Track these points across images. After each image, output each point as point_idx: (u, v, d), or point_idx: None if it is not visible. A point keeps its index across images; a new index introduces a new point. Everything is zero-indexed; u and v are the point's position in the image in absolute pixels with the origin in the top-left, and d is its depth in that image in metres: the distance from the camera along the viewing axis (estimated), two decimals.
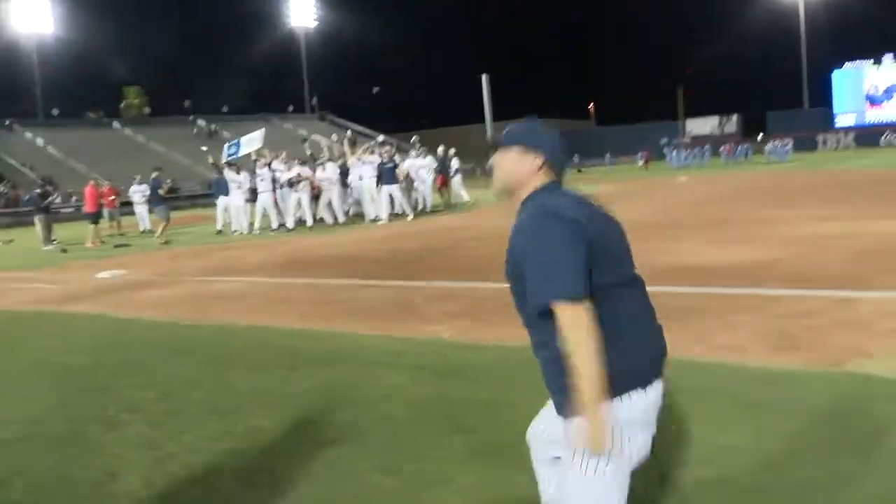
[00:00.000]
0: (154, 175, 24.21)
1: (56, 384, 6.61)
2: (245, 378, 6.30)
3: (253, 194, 22.19)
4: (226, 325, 8.55)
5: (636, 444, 2.54)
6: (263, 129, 23.64)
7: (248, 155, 23.01)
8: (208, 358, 7.15)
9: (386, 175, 21.79)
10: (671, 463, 3.91)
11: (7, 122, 69.33)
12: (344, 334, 7.66)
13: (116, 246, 20.96)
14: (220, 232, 22.96)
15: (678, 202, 22.85)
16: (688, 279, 9.11)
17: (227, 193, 22.94)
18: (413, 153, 26.06)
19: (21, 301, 11.91)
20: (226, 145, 24.63)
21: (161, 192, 23.42)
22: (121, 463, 4.59)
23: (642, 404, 2.52)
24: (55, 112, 75.67)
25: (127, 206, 29.09)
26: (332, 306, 9.30)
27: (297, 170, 21.95)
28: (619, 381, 2.46)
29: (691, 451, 4.07)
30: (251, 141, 23.06)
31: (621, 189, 31.91)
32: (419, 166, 24.88)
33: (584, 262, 2.45)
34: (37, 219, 24.33)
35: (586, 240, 2.48)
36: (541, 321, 2.54)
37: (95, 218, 23.84)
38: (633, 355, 2.53)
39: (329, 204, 22.37)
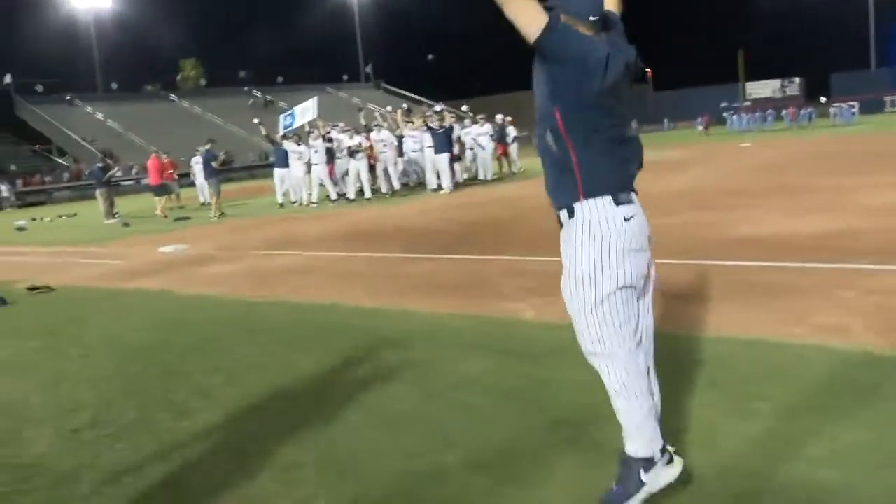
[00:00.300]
0: (207, 147, 23.28)
1: (123, 365, 6.43)
2: (313, 360, 6.03)
3: (309, 166, 21.94)
4: (291, 303, 8.31)
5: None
6: (316, 98, 23.08)
7: (303, 126, 22.74)
8: (275, 338, 6.91)
9: (438, 143, 21.26)
10: (784, 461, 3.54)
11: (68, 97, 70.26)
12: (417, 313, 7.33)
13: (177, 219, 21.01)
14: (281, 205, 22.64)
15: (743, 168, 22.08)
16: (771, 253, 8.60)
17: (284, 165, 22.70)
18: (467, 121, 25.52)
19: (85, 277, 11.85)
20: (281, 116, 24.28)
21: (214, 164, 22.55)
22: (193, 455, 4.37)
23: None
24: (114, 86, 76.48)
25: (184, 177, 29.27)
26: (401, 282, 9.01)
27: (358, 138, 21.52)
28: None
29: (807, 448, 3.68)
30: (305, 111, 22.68)
31: (685, 154, 31.15)
32: (477, 134, 24.29)
33: None
34: (98, 193, 24.52)
35: None
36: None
37: (160, 190, 24.06)
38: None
39: (385, 171, 22.07)
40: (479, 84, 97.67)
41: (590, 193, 3.27)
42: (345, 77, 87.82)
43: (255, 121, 26.00)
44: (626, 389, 3.27)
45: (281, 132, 23.14)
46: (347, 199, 21.52)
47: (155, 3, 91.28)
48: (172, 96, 77.37)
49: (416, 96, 74.02)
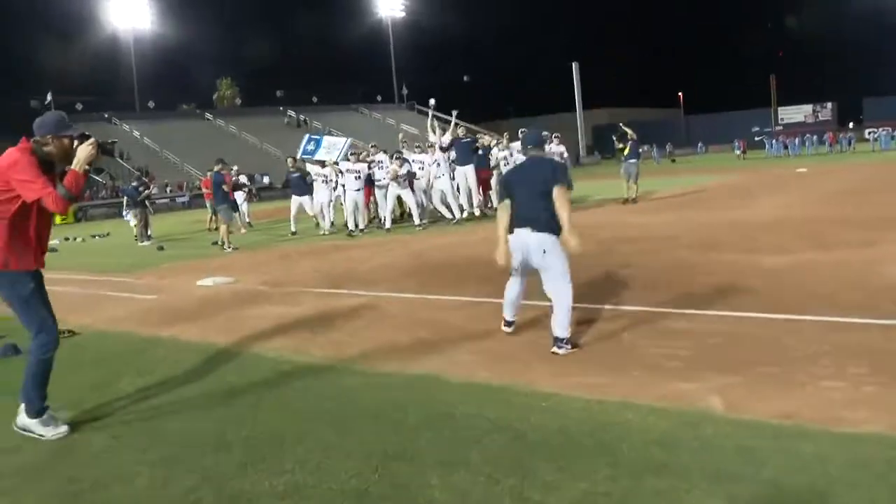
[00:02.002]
0: (216, 168, 19.07)
1: (163, 481, 4.35)
2: (438, 477, 3.96)
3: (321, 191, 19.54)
4: (377, 373, 6.20)
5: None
6: (349, 141, 20.44)
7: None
8: (370, 432, 4.82)
9: (462, 153, 18.81)
10: None
11: (106, 115, 69.19)
12: (559, 397, 5.19)
13: (215, 243, 18.95)
14: (294, 233, 19.96)
15: (825, 195, 19.75)
16: None
17: (302, 193, 20.26)
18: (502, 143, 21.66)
19: (114, 317, 9.83)
20: (305, 138, 21.09)
21: (225, 188, 18.56)
22: None
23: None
24: (151, 105, 75.35)
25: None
26: (512, 342, 6.88)
27: (407, 166, 18.64)
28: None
29: None
30: (332, 148, 19.80)
31: (741, 180, 28.91)
32: (554, 153, 20.62)
33: None
34: (132, 213, 22.75)
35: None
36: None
37: (234, 206, 22.40)
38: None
39: (442, 196, 19.34)
40: (512, 105, 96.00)
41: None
42: (379, 98, 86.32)
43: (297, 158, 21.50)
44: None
45: (299, 156, 20.52)
46: (385, 228, 18.71)
47: (193, 23, 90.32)
48: (208, 115, 76.09)
49: (449, 118, 72.22)
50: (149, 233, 22.30)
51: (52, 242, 25.14)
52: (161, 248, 19.03)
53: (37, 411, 5.19)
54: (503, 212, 6.80)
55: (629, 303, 7.98)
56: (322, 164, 19.57)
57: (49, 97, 67.41)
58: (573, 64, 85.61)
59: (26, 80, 72.77)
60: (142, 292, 11.84)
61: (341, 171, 18.83)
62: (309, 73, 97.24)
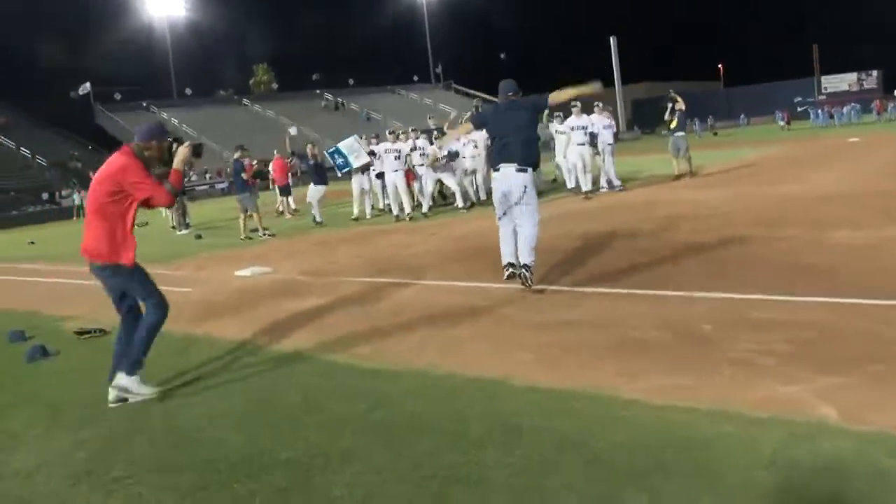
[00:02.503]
0: (236, 155, 17.88)
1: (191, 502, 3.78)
2: None
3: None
4: (436, 379, 5.49)
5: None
6: (355, 137, 19.17)
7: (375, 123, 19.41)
8: (426, 449, 4.19)
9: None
10: None
11: (144, 104, 69.34)
12: (639, 404, 4.49)
13: (253, 230, 18.45)
14: (319, 222, 18.85)
15: (882, 165, 18.67)
16: None
17: (319, 181, 19.21)
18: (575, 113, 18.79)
19: None
20: (328, 154, 19.14)
21: (244, 176, 17.36)
22: None
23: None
24: (188, 91, 75.36)
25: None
26: (574, 336, 6.15)
27: (450, 144, 17.02)
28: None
29: None
30: (356, 152, 18.23)
31: (790, 151, 27.78)
32: (595, 124, 18.03)
33: None
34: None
35: None
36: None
37: (287, 190, 22.74)
38: None
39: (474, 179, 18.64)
40: (549, 81, 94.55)
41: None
42: (415, 78, 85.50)
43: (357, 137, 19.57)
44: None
45: (340, 174, 19.18)
46: (423, 213, 17.69)
47: (228, 10, 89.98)
48: (245, 100, 75.87)
49: (487, 96, 71.27)
50: (187, 221, 21.91)
51: None
52: (199, 237, 18.59)
53: (135, 365, 5.75)
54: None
55: (701, 287, 7.21)
56: (395, 138, 18.16)
57: (88, 87, 67.80)
58: (611, 38, 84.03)
59: (65, 71, 73.07)
60: (178, 284, 11.31)
61: (374, 153, 17.92)
62: (345, 56, 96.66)
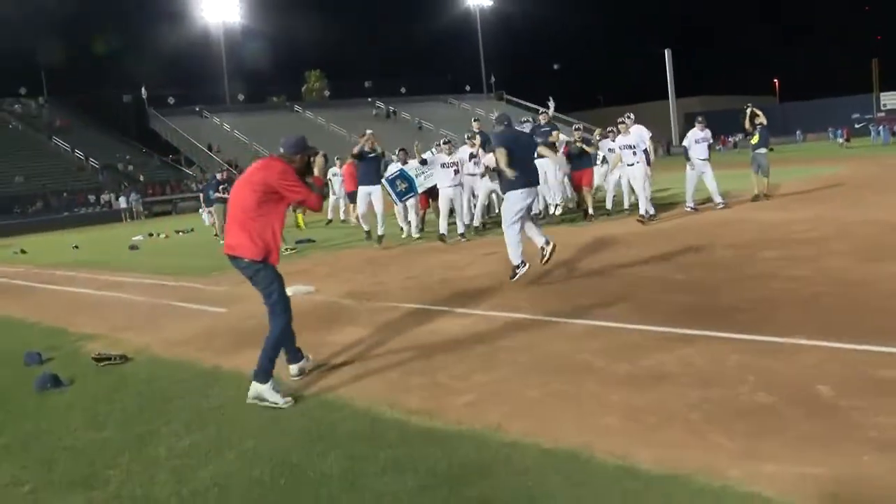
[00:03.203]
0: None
1: None
2: None
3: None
4: (504, 447, 4.42)
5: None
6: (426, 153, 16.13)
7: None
8: None
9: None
10: None
11: (197, 109, 69.38)
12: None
13: (299, 242, 17.50)
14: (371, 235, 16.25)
15: None
16: None
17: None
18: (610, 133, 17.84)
19: (174, 338, 8.40)
20: (386, 183, 15.99)
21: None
22: None
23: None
24: (241, 97, 75.33)
25: None
26: (671, 393, 4.99)
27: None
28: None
29: None
30: (419, 170, 15.79)
31: (862, 171, 25.97)
32: (694, 140, 16.44)
33: None
34: (213, 209, 21.61)
35: None
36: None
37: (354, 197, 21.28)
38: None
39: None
40: (602, 94, 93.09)
41: None
42: (467, 88, 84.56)
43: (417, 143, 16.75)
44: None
45: (399, 201, 16.13)
46: (474, 228, 16.00)
47: (281, 16, 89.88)
48: (297, 107, 75.64)
49: (539, 107, 70.24)
50: None
51: (137, 238, 24.47)
52: None
53: (266, 375, 5.83)
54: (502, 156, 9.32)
55: (806, 333, 6.04)
56: (450, 149, 15.99)
57: (143, 91, 68.00)
58: (666, 51, 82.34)
59: (121, 75, 73.51)
60: (214, 303, 10.42)
61: (425, 161, 15.78)
62: (397, 64, 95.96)
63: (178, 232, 25.46)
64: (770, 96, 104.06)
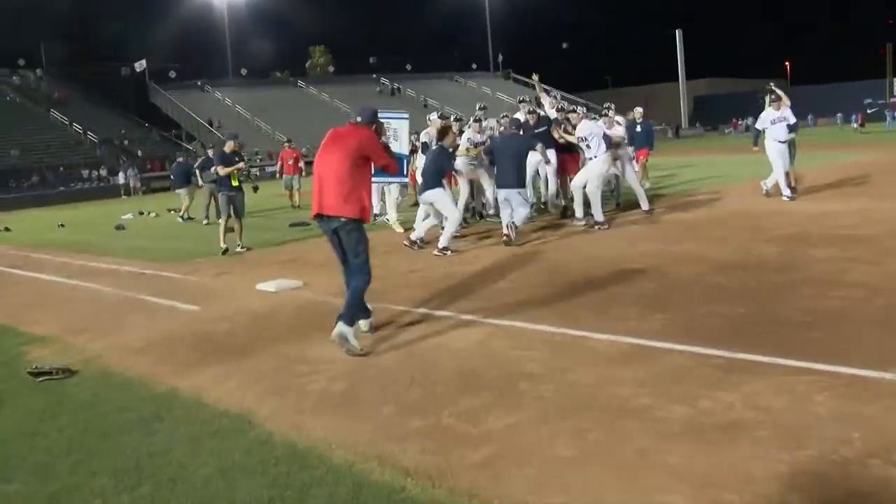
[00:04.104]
0: (228, 141, 13.34)
1: None
2: None
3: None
4: None
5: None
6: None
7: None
8: None
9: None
10: None
11: (199, 83, 67.89)
12: None
13: (292, 225, 16.22)
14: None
15: None
16: None
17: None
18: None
19: (134, 346, 7.10)
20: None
21: (220, 172, 12.81)
22: None
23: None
24: (244, 72, 73.75)
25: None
26: (749, 451, 3.70)
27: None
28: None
29: None
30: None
31: (887, 158, 24.70)
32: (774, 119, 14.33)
33: None
34: (187, 191, 20.45)
35: None
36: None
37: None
38: None
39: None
40: (611, 75, 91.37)
41: None
42: (474, 66, 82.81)
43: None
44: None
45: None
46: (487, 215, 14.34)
47: None
48: (301, 83, 74.06)
49: (547, 87, 68.79)
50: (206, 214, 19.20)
51: (126, 217, 23.16)
52: (231, 230, 16.33)
53: (353, 319, 6.20)
54: None
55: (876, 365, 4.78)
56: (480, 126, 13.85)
57: (144, 64, 66.47)
58: (677, 31, 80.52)
59: (121, 48, 72.01)
60: (187, 298, 9.14)
61: (416, 147, 14.39)
62: (403, 40, 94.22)
63: (169, 210, 24.14)
64: (781, 80, 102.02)
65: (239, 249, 12.96)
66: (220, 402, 5.23)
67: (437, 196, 11.10)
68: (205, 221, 18.74)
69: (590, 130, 12.66)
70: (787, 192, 13.86)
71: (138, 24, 76.80)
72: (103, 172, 48.98)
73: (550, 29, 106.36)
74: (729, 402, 4.46)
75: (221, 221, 13.24)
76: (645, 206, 13.38)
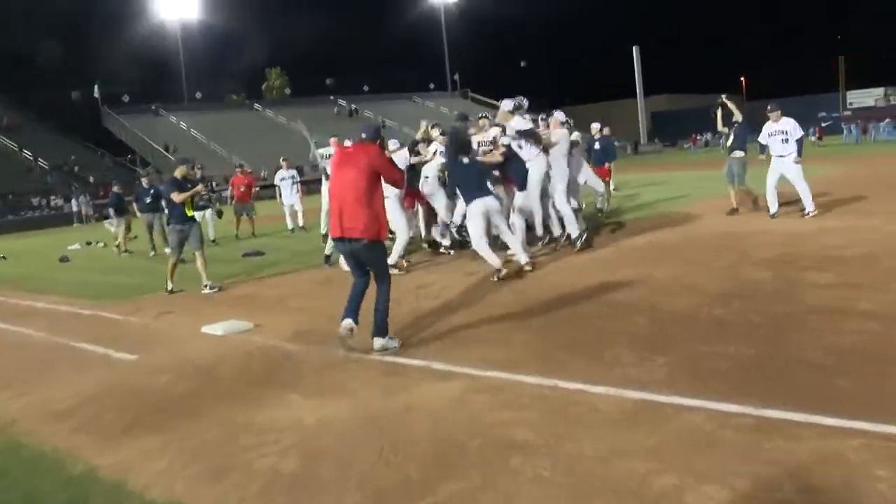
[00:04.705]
0: (181, 167, 11.63)
1: None
2: None
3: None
4: None
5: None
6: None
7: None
8: None
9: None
10: None
11: (153, 107, 66.35)
12: None
13: (245, 255, 15.18)
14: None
15: None
16: None
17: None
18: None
19: (56, 408, 6.07)
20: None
21: (175, 198, 11.08)
22: None
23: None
24: (198, 95, 72.33)
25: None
26: None
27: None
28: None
29: None
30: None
31: (856, 172, 24.30)
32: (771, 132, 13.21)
33: None
34: (118, 222, 19.24)
35: None
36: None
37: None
38: None
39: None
40: (569, 93, 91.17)
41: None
42: (431, 85, 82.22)
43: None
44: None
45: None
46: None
47: (241, 13, 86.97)
48: (257, 105, 72.84)
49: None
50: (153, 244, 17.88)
51: (72, 248, 21.87)
52: (183, 262, 15.23)
53: (384, 329, 6.68)
54: None
55: None
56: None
57: (96, 89, 64.84)
58: (634, 48, 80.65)
59: (73, 72, 70.25)
60: (124, 344, 8.12)
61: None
62: (360, 61, 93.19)
63: (117, 240, 22.91)
64: (737, 95, 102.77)
65: (206, 291, 11.06)
66: (147, 489, 4.26)
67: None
68: (151, 254, 17.50)
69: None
70: (773, 207, 13.18)
71: (91, 48, 75.07)
72: (55, 200, 47.37)
73: (507, 48, 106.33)
74: (771, 480, 3.62)
75: (170, 261, 11.46)
76: (573, 232, 11.49)
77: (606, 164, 18.51)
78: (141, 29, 72.25)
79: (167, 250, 13.31)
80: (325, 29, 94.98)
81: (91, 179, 51.48)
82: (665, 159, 54.04)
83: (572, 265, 10.41)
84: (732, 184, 14.25)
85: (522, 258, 10.07)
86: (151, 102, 67.07)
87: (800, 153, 12.97)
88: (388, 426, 4.88)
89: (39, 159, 53.46)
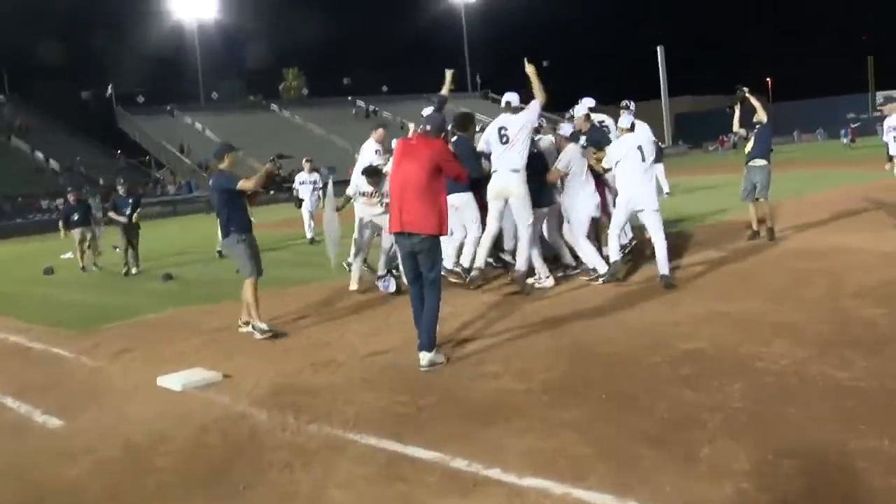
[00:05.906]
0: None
1: None
2: None
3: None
4: None
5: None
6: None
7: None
8: None
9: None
10: None
11: (168, 108, 64.99)
12: None
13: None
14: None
15: None
16: None
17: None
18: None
19: None
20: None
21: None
22: None
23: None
24: (214, 96, 70.89)
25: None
26: None
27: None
28: None
29: None
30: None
31: None
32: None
33: None
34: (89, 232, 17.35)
35: None
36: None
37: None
38: None
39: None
40: (591, 93, 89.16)
41: None
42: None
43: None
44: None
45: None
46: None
47: (258, 13, 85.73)
48: (274, 106, 71.31)
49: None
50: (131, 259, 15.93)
51: (64, 256, 20.10)
52: (168, 278, 13.43)
53: (433, 343, 6.22)
54: None
55: None
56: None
57: (110, 89, 63.58)
58: (658, 48, 78.50)
59: (87, 72, 69.09)
60: (54, 402, 6.29)
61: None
62: (378, 61, 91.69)
63: (115, 248, 21.18)
64: (762, 96, 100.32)
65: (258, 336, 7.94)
66: None
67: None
68: (125, 270, 15.52)
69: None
70: None
71: (106, 48, 73.85)
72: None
73: (529, 48, 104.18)
74: None
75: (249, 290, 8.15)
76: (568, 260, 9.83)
77: None
78: (157, 28, 71.01)
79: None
80: (343, 29, 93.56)
81: (101, 181, 50.05)
82: (691, 162, 51.85)
83: (621, 295, 8.46)
84: (745, 198, 11.68)
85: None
86: (167, 103, 65.73)
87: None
88: None
89: (51, 160, 52.14)
